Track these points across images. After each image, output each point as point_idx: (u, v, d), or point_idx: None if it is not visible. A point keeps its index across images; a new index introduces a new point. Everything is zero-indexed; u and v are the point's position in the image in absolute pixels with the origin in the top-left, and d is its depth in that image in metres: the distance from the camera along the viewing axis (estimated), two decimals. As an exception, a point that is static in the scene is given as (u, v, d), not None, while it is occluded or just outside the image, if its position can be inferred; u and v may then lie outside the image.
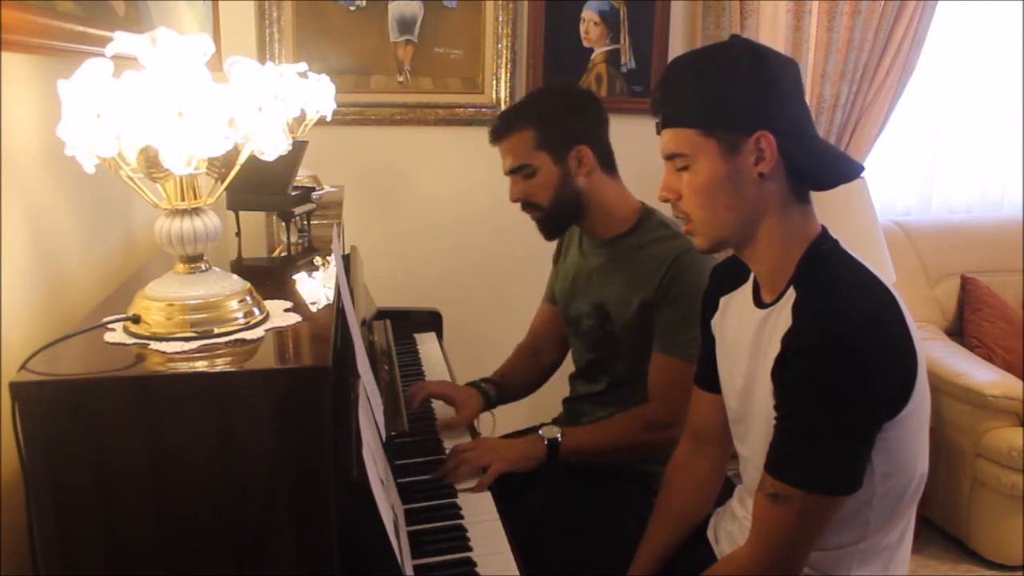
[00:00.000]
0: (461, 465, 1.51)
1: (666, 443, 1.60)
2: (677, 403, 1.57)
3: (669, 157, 1.18)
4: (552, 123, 1.65)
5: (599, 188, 1.68)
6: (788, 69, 1.15)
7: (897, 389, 1.09)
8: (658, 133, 1.21)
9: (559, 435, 1.60)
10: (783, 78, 1.14)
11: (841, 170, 1.15)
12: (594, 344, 1.77)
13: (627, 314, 1.66)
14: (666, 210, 1.75)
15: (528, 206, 1.71)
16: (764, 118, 1.11)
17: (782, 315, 1.15)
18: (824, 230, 1.19)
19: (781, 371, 1.11)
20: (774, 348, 1.13)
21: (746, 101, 1.12)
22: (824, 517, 1.11)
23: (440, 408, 1.79)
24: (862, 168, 1.17)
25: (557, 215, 1.70)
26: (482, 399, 1.80)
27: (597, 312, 1.73)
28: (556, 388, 2.00)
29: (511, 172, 1.69)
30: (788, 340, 1.11)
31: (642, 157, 2.83)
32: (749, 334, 1.23)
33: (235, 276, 1.02)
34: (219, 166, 0.95)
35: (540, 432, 1.62)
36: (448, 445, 1.61)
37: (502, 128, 1.69)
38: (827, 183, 1.16)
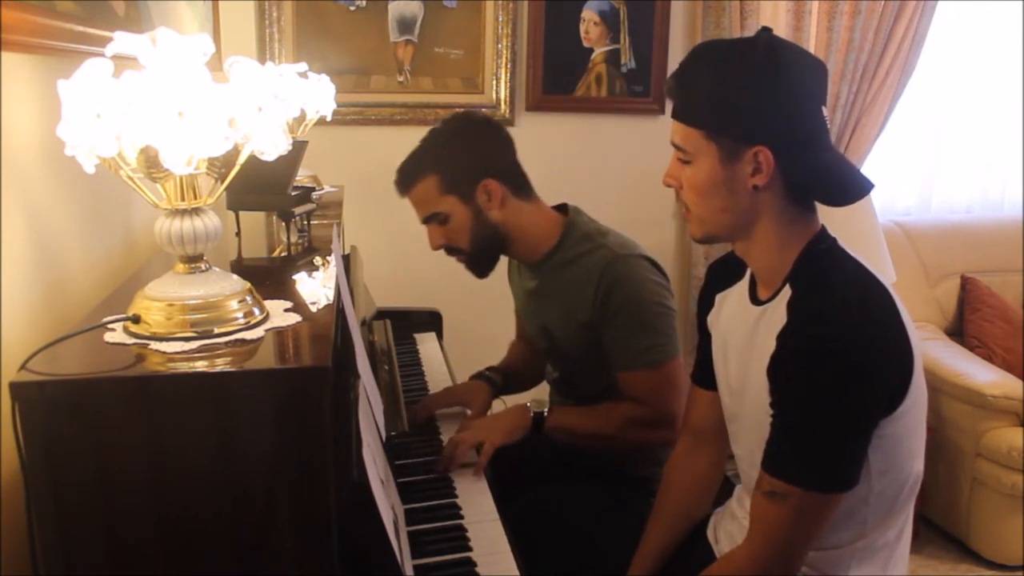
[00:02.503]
0: (458, 447, 1.53)
1: (653, 441, 1.62)
2: (659, 406, 1.58)
3: (675, 147, 1.18)
4: (451, 164, 1.60)
5: (516, 216, 1.64)
6: (810, 76, 1.12)
7: (893, 386, 1.09)
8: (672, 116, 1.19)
9: (545, 410, 1.61)
10: (801, 87, 1.11)
11: (846, 189, 1.13)
12: (552, 364, 1.80)
13: (570, 336, 1.66)
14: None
15: (451, 251, 1.67)
16: (768, 131, 1.10)
17: (777, 312, 1.16)
18: (823, 228, 1.19)
19: (777, 369, 1.11)
20: (769, 345, 1.13)
21: (753, 111, 1.10)
22: (821, 515, 1.11)
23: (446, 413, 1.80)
24: (871, 187, 1.14)
25: (481, 254, 1.66)
26: (489, 388, 1.81)
27: (545, 335, 1.73)
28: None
29: (425, 221, 1.66)
30: (783, 338, 1.11)
31: (642, 157, 2.84)
32: (744, 331, 1.23)
33: (235, 276, 1.02)
34: (219, 166, 0.95)
35: (527, 404, 1.62)
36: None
37: (405, 180, 1.65)
38: (829, 202, 1.16)
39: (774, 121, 1.10)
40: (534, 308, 1.75)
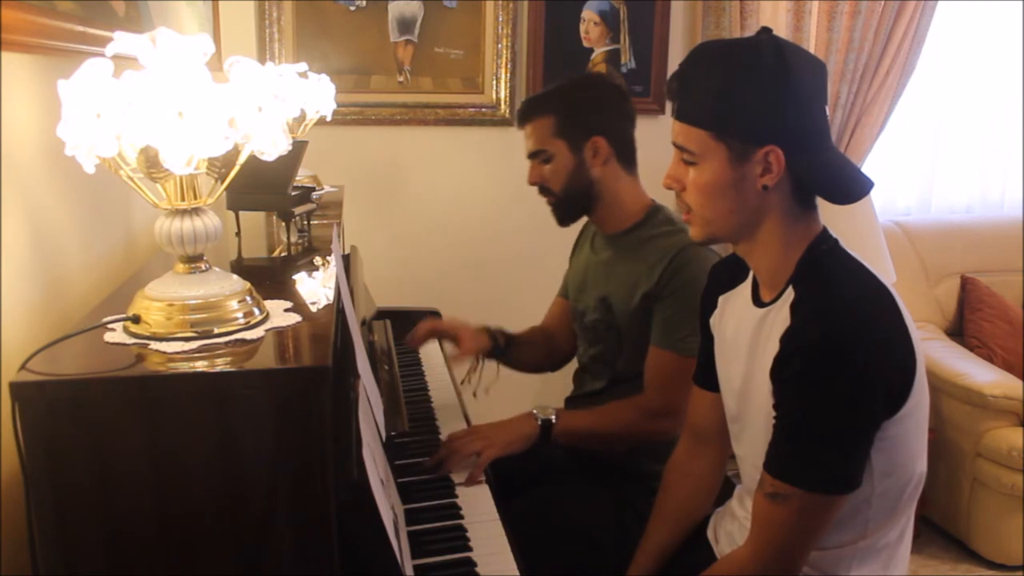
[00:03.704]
0: (452, 455, 1.52)
1: (660, 433, 1.62)
2: (671, 394, 1.59)
3: (678, 146, 1.17)
4: (572, 112, 1.68)
5: (613, 180, 1.71)
6: (814, 75, 1.12)
7: (896, 387, 1.09)
8: (673, 116, 1.18)
9: (553, 416, 1.61)
10: (806, 86, 1.10)
11: (850, 188, 1.13)
12: (597, 338, 1.78)
13: (629, 307, 1.67)
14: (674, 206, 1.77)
15: (543, 190, 1.75)
16: (778, 130, 1.10)
17: (780, 314, 1.16)
18: (824, 230, 1.19)
19: (780, 370, 1.11)
20: (772, 347, 1.13)
21: (763, 111, 1.09)
22: (824, 516, 1.11)
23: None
24: (871, 185, 1.15)
25: (569, 202, 1.73)
26: (488, 340, 1.84)
27: (601, 305, 1.74)
28: (562, 388, 2.00)
29: (531, 156, 1.73)
30: (787, 339, 1.11)
31: (642, 157, 2.83)
32: (747, 333, 1.23)
33: (235, 276, 1.02)
34: (219, 166, 0.95)
35: (534, 411, 1.62)
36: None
37: (527, 112, 1.73)
38: (835, 200, 1.15)
39: (785, 120, 1.10)
40: (600, 279, 1.77)
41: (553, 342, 1.98)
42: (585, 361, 1.85)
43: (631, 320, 1.68)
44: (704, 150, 1.13)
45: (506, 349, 1.88)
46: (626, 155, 1.74)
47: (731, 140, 1.11)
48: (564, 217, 1.77)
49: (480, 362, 1.89)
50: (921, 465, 1.18)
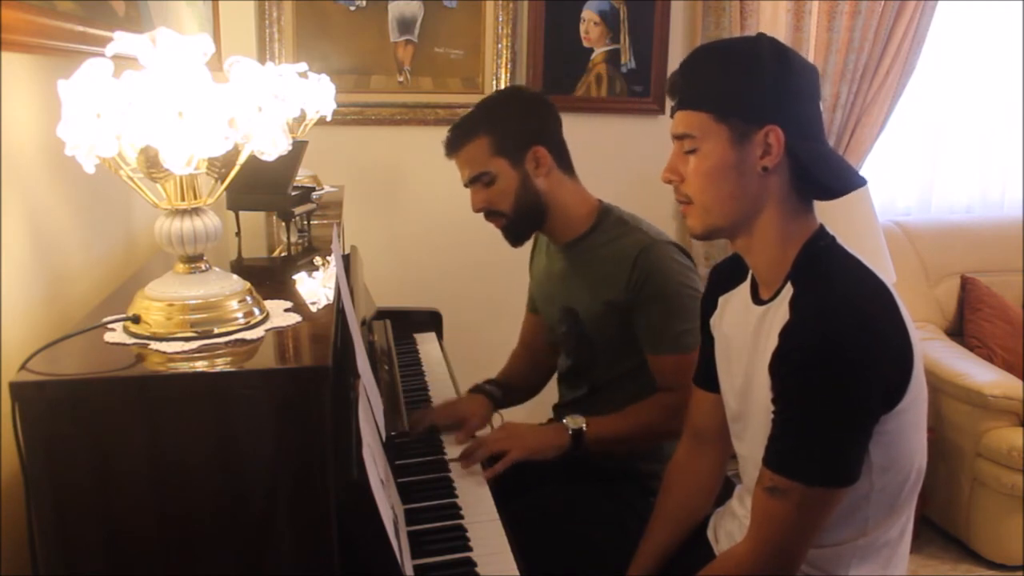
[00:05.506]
0: (480, 448, 1.53)
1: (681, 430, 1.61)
2: (687, 388, 1.58)
3: (679, 137, 1.19)
4: (506, 127, 1.64)
5: (558, 188, 1.67)
6: (809, 74, 1.17)
7: (894, 381, 1.10)
8: (671, 116, 1.21)
9: (584, 425, 1.60)
10: (802, 81, 1.15)
11: (845, 179, 1.16)
12: (570, 349, 1.78)
13: (594, 316, 1.66)
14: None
15: (491, 214, 1.69)
16: (777, 114, 1.13)
17: (779, 311, 1.16)
18: (821, 227, 1.20)
19: (779, 365, 1.11)
20: (772, 344, 1.13)
21: (763, 95, 1.13)
22: (823, 510, 1.12)
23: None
24: (864, 181, 1.18)
25: (521, 220, 1.68)
26: (488, 402, 1.79)
27: (567, 316, 1.73)
28: (547, 394, 2.00)
29: (471, 182, 1.67)
30: (785, 335, 1.11)
31: (642, 157, 2.84)
32: (747, 332, 1.23)
33: (235, 276, 1.02)
34: (219, 166, 0.95)
35: (565, 421, 1.61)
36: (449, 444, 1.62)
37: (457, 139, 1.66)
38: (829, 189, 1.17)
39: (783, 105, 1.13)
40: (561, 289, 1.75)
41: (536, 360, 1.96)
42: (563, 372, 1.84)
43: (599, 329, 1.67)
44: (706, 133, 1.15)
45: (504, 398, 1.85)
46: (565, 160, 1.70)
47: (733, 120, 1.14)
48: (518, 237, 1.71)
49: (491, 425, 1.87)
50: (920, 460, 1.18)
